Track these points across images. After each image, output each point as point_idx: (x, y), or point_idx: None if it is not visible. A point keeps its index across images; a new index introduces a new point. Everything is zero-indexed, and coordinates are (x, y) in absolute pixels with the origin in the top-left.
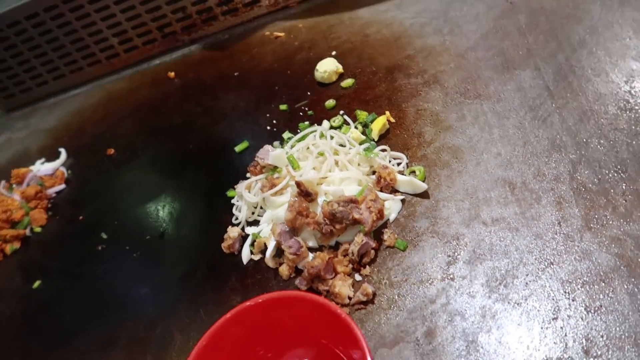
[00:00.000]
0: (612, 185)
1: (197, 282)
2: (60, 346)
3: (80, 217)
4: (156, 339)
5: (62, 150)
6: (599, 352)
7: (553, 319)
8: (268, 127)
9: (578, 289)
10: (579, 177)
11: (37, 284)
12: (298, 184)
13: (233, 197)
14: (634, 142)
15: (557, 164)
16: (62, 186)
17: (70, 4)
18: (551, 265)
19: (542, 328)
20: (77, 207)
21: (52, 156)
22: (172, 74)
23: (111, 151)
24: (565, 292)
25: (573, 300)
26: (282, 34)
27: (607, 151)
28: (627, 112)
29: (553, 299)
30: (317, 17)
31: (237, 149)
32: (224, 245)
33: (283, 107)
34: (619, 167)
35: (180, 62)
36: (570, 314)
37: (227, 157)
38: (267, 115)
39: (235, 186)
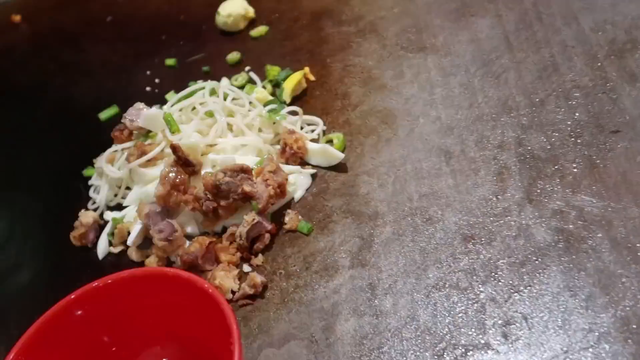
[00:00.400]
0: (564, 152)
1: (35, 285)
2: None
3: None
4: None
5: None
6: (519, 335)
7: (474, 302)
8: (148, 88)
9: (508, 267)
10: (527, 144)
11: None
12: (174, 148)
13: (90, 177)
14: (595, 103)
15: (504, 128)
16: None
17: None
18: (481, 244)
19: (461, 312)
20: None
21: None
22: (17, 18)
23: None
24: (492, 273)
25: (499, 281)
26: None
27: (565, 113)
28: (594, 69)
29: (478, 281)
30: None
31: (103, 116)
32: (73, 235)
33: (170, 61)
34: (574, 131)
35: (28, 3)
36: (494, 296)
37: (88, 127)
38: (148, 72)
39: (94, 160)
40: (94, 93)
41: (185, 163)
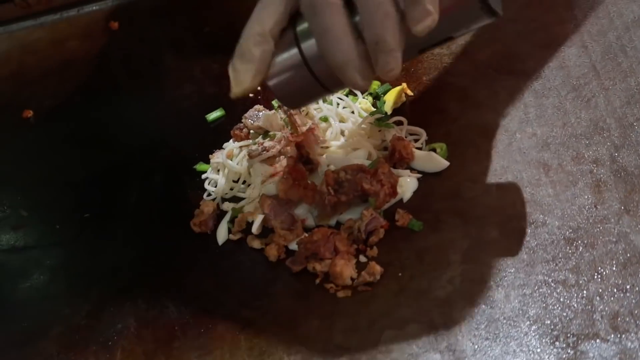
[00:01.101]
0: None
1: (157, 265)
2: None
3: None
4: (102, 327)
5: None
6: (627, 328)
7: (581, 298)
8: (251, 95)
9: (611, 267)
10: (620, 161)
11: None
12: (299, 146)
13: (203, 172)
14: None
15: (598, 146)
16: None
17: None
18: (584, 247)
19: (570, 309)
20: None
21: None
22: (115, 24)
23: (29, 113)
24: (596, 271)
25: (603, 279)
26: None
27: None
28: None
29: (585, 279)
30: None
31: (210, 117)
32: (193, 222)
33: None
34: None
35: (126, 10)
36: (601, 292)
37: (195, 127)
38: None
39: (210, 156)
40: (197, 97)
41: (306, 160)
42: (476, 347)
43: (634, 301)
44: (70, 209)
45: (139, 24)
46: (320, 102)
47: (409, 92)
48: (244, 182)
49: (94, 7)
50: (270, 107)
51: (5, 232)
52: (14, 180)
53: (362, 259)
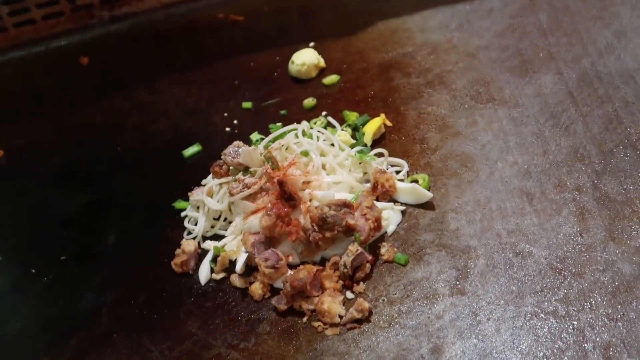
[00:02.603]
0: (638, 196)
1: (139, 308)
2: None
3: None
4: None
5: None
6: (620, 358)
7: (573, 329)
8: (227, 129)
9: (601, 296)
10: (602, 188)
11: None
12: (281, 183)
13: (182, 210)
14: None
15: (579, 173)
16: None
17: None
18: (572, 277)
19: (562, 341)
20: None
21: None
22: (85, 60)
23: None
24: (586, 300)
25: (593, 309)
26: (240, 18)
27: (634, 161)
28: None
29: (575, 309)
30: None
31: (186, 153)
32: (175, 262)
33: (247, 104)
34: None
35: (94, 45)
36: (592, 322)
37: (172, 163)
38: (225, 114)
39: (189, 193)
40: (172, 131)
41: (289, 197)
42: None
43: (624, 330)
44: (46, 252)
45: (110, 59)
46: (300, 136)
47: (388, 123)
48: (225, 220)
49: (62, 42)
50: (249, 143)
51: None
52: None
53: (350, 295)
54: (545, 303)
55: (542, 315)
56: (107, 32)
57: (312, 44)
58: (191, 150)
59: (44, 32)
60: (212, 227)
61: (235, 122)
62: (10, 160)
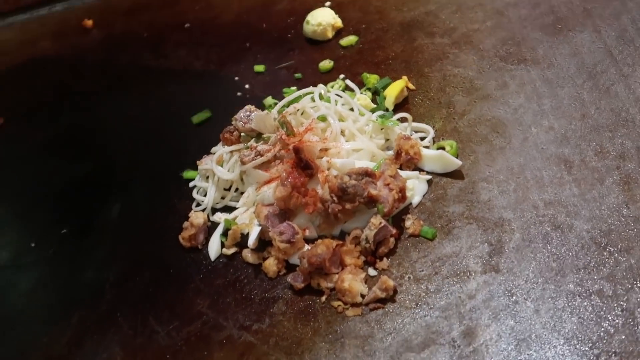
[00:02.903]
0: None
1: (143, 286)
2: None
3: None
4: (84, 357)
5: None
6: None
7: (621, 310)
8: (238, 93)
9: None
10: None
11: None
12: (297, 150)
13: (191, 180)
14: None
15: (623, 139)
16: None
17: None
18: (619, 252)
19: (609, 323)
20: None
21: None
22: (89, 22)
23: (0, 120)
24: (635, 278)
25: None
26: None
27: None
28: None
29: (623, 289)
30: None
31: (195, 119)
32: (182, 236)
33: (259, 68)
34: None
35: (99, 8)
36: None
37: (180, 129)
38: (236, 78)
39: (198, 162)
40: (181, 96)
41: (305, 165)
42: None
43: None
44: (46, 224)
45: (115, 22)
46: (317, 99)
47: (411, 86)
48: (236, 190)
49: (66, 5)
50: (262, 108)
51: None
52: None
53: (372, 272)
54: (589, 281)
55: (586, 295)
56: None
57: (328, 3)
58: (200, 117)
59: None
60: (223, 198)
61: (246, 86)
62: (11, 126)
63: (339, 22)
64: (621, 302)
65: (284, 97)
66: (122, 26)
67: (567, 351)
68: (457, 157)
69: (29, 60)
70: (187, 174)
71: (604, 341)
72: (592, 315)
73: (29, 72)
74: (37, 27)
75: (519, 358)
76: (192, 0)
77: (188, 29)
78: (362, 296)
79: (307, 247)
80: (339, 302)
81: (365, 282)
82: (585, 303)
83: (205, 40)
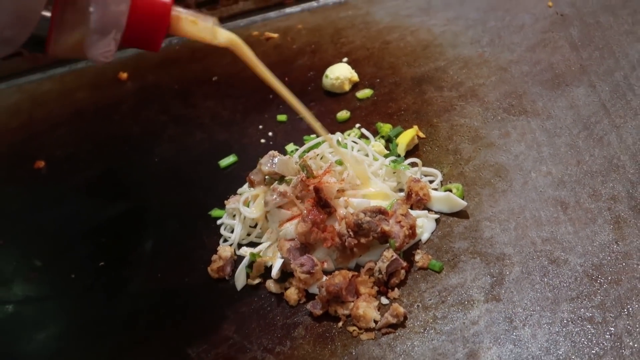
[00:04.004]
0: None
1: (175, 312)
2: None
3: (0, 242)
4: None
5: None
6: None
7: (610, 335)
8: (262, 140)
9: (638, 305)
10: (638, 197)
11: None
12: (317, 190)
13: (219, 218)
14: None
15: (614, 183)
16: None
17: None
18: (608, 284)
19: (599, 347)
20: None
21: None
22: (124, 75)
23: (40, 164)
24: (623, 307)
25: (630, 315)
26: (275, 35)
27: None
28: None
29: (612, 316)
30: (321, 19)
31: (222, 163)
32: (211, 268)
33: (281, 117)
34: None
35: (132, 62)
36: (629, 328)
37: (208, 173)
38: (260, 126)
39: (226, 201)
40: (208, 143)
41: (324, 204)
42: None
43: None
44: (84, 258)
45: (147, 74)
46: (336, 145)
47: (421, 135)
48: (260, 228)
49: None
50: (285, 153)
51: (19, 282)
52: (27, 230)
53: (384, 300)
54: (582, 309)
55: (579, 322)
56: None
57: (345, 59)
58: (227, 161)
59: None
60: (248, 234)
61: (270, 134)
62: (51, 170)
63: (355, 77)
64: (610, 328)
65: (304, 144)
66: (153, 78)
67: None
68: (462, 199)
69: (67, 109)
70: (215, 212)
71: None
72: (583, 340)
73: (68, 120)
74: (75, 79)
75: None
76: (219, 56)
77: (215, 82)
78: (375, 322)
79: (325, 277)
80: (354, 327)
81: (378, 310)
82: (577, 329)
83: (231, 92)
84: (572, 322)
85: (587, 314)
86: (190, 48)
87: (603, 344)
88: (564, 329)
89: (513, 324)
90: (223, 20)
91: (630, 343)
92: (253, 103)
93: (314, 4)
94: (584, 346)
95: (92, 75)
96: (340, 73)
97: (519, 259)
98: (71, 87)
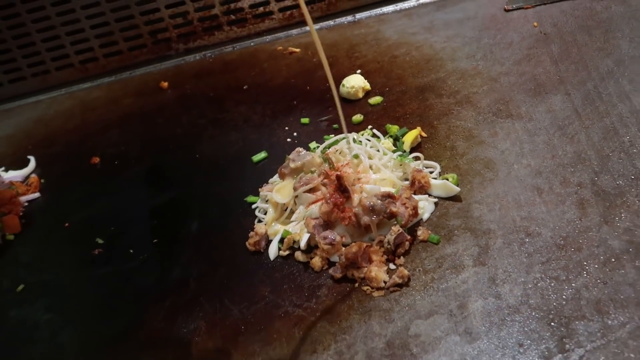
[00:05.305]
0: (628, 190)
1: (219, 279)
2: (60, 345)
3: (66, 224)
4: (177, 328)
5: (32, 158)
6: (608, 310)
7: (571, 289)
8: (288, 139)
9: (594, 265)
10: (599, 184)
11: (20, 287)
12: (339, 178)
13: (253, 203)
14: None
15: (581, 173)
16: (37, 195)
17: None
18: (572, 251)
19: (563, 299)
20: (58, 215)
21: (13, 165)
22: (165, 84)
23: (96, 160)
24: (583, 268)
25: (588, 274)
26: (297, 50)
27: (626, 163)
28: None
29: (573, 275)
30: (337, 35)
31: (255, 158)
32: (249, 242)
33: (304, 120)
34: (634, 176)
35: (172, 73)
36: (586, 284)
37: (242, 167)
38: (286, 128)
39: (260, 188)
40: (242, 142)
41: (344, 190)
42: (488, 329)
43: (612, 290)
44: (140, 236)
45: (186, 84)
46: (352, 142)
47: (423, 134)
48: (291, 212)
49: (145, 70)
50: (308, 149)
51: (86, 257)
52: (89, 215)
53: (392, 266)
54: (550, 271)
55: (547, 280)
56: (183, 61)
57: (359, 71)
58: (259, 157)
59: (129, 61)
60: (279, 217)
61: (295, 134)
62: (105, 165)
63: (367, 86)
64: (572, 284)
65: (324, 142)
66: (191, 87)
67: (532, 316)
68: (457, 186)
69: (116, 113)
70: (250, 198)
71: (558, 309)
72: (550, 293)
73: (117, 123)
74: (120, 88)
75: (496, 320)
76: (248, 67)
77: (246, 90)
78: (385, 282)
79: (343, 249)
80: (368, 287)
81: (387, 273)
82: (546, 285)
83: (260, 99)
84: (541, 280)
85: (554, 274)
86: (223, 61)
87: (565, 296)
88: (535, 285)
89: (495, 282)
90: (251, 37)
91: (587, 295)
92: (280, 108)
93: (331, 22)
94: (551, 298)
95: (137, 84)
96: (355, 82)
97: (502, 233)
98: (118, 95)
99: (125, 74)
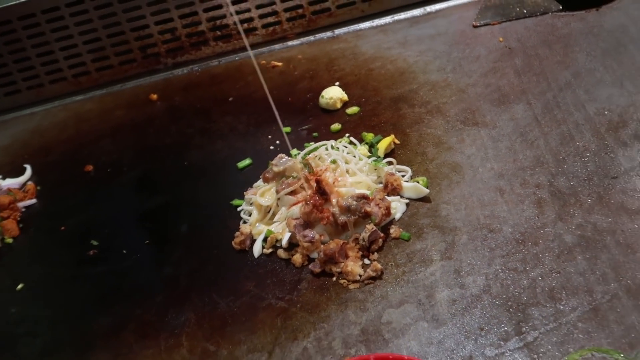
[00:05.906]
0: (581, 190)
1: (208, 275)
2: (59, 338)
3: (62, 228)
4: (169, 320)
5: (28, 167)
6: (560, 297)
7: (527, 279)
8: (271, 147)
9: (549, 257)
10: (555, 184)
11: (20, 286)
12: (318, 181)
13: (239, 206)
14: (599, 160)
15: (539, 175)
16: (33, 201)
17: (50, 14)
18: (530, 245)
19: (520, 288)
20: (55, 220)
21: (11, 173)
22: (154, 96)
23: (89, 168)
24: (539, 260)
25: (543, 265)
26: (280, 64)
27: (579, 166)
28: (598, 138)
29: (530, 266)
30: (317, 50)
31: (240, 165)
32: (235, 241)
33: (286, 129)
34: (586, 177)
35: (161, 85)
36: (542, 274)
37: (228, 173)
38: (269, 136)
39: (245, 192)
40: (228, 149)
41: (323, 192)
42: (453, 315)
43: (564, 279)
44: (132, 238)
45: (174, 96)
46: (330, 149)
47: (397, 141)
48: (273, 215)
49: (135, 84)
50: (290, 156)
51: (81, 257)
52: (84, 218)
53: (366, 261)
54: (510, 263)
55: (507, 271)
56: (171, 74)
57: (337, 83)
58: (244, 163)
59: (120, 74)
60: (263, 218)
61: (277, 142)
62: (98, 173)
63: (345, 97)
64: (529, 274)
65: (304, 149)
66: (180, 99)
67: (492, 304)
68: (427, 188)
69: (108, 124)
70: (235, 202)
71: (516, 297)
72: (509, 283)
73: (109, 133)
74: (112, 100)
75: (460, 307)
76: (234, 81)
77: (232, 101)
78: (360, 276)
79: (322, 246)
80: (344, 280)
81: (362, 267)
82: (505, 276)
83: (245, 109)
84: (502, 272)
85: (513, 265)
86: (209, 74)
87: (523, 285)
88: (496, 276)
89: (460, 274)
90: (236, 51)
91: (542, 284)
92: (263, 118)
93: (311, 38)
94: (510, 286)
95: (127, 96)
96: (333, 94)
97: (467, 230)
98: (110, 107)
99: (117, 87)
